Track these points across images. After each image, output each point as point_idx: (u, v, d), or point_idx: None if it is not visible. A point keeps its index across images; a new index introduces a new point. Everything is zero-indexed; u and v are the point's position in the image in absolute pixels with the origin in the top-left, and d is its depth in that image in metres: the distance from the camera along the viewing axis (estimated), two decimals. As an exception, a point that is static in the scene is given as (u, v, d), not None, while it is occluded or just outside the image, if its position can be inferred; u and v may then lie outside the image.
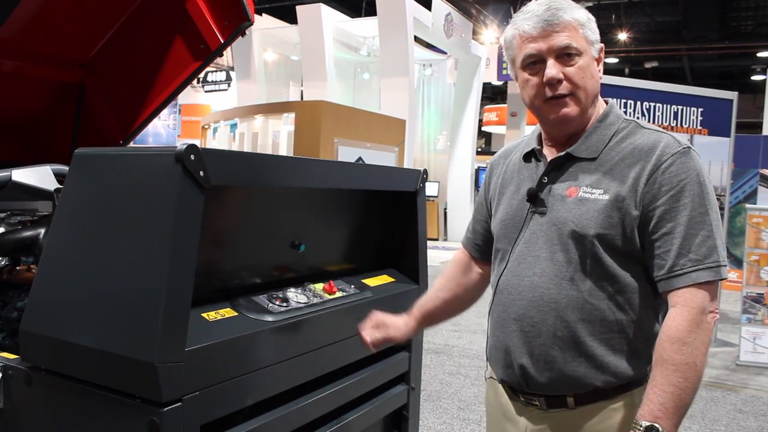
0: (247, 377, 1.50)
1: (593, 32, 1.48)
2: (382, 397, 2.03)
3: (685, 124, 6.14)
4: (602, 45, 1.51)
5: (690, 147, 1.42)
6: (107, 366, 1.34)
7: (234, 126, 8.48)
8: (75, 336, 1.38)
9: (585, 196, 1.43)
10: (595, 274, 1.41)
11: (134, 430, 1.32)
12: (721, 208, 6.37)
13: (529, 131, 1.64)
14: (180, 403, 1.31)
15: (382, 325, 1.74)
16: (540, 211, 1.49)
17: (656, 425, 1.29)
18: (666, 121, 6.07)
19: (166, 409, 1.28)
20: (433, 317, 1.80)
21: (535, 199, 1.50)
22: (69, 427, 1.47)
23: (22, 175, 2.28)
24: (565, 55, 1.43)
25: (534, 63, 1.46)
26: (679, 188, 1.36)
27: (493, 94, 21.92)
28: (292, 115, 6.93)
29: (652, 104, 6.03)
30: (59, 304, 1.45)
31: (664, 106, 6.06)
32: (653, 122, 6.07)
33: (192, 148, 1.30)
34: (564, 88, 1.43)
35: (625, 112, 5.93)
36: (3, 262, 2.14)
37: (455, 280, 1.80)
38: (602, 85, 5.64)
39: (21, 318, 1.51)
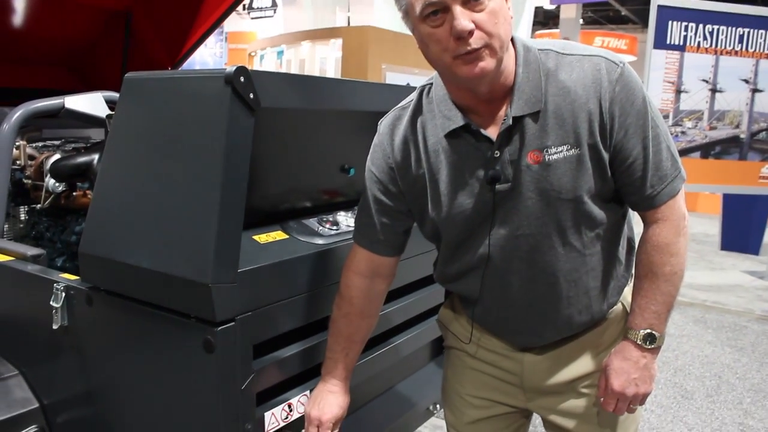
0: (297, 299, 1.52)
1: None
2: (431, 320, 2.05)
3: (751, 48, 5.82)
4: None
5: (623, 62, 1.31)
6: (163, 286, 1.37)
7: (281, 53, 8.40)
8: (131, 257, 1.41)
9: (554, 158, 1.28)
10: (587, 227, 1.36)
11: (190, 348, 1.35)
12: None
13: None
14: (233, 323, 1.34)
15: (326, 428, 1.53)
16: (506, 189, 1.32)
17: (653, 332, 1.39)
18: (730, 45, 5.77)
19: (220, 328, 1.31)
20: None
21: (498, 179, 1.32)
22: (128, 345, 1.52)
23: (74, 102, 2.31)
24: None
25: (435, 12, 1.19)
26: (633, 114, 1.29)
27: (545, 19, 21.19)
28: (340, 41, 6.81)
29: (715, 27, 5.72)
30: (115, 227, 1.48)
31: (729, 29, 5.73)
32: (716, 46, 5.79)
33: (241, 69, 1.28)
34: (477, 39, 1.18)
35: (686, 37, 5.69)
36: (60, 188, 2.19)
37: (365, 314, 1.54)
38: (660, 7, 5.34)
39: (79, 241, 1.55)
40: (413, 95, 1.46)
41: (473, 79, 1.23)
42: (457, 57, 1.20)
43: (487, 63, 1.21)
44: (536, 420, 3.03)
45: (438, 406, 2.14)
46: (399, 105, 1.48)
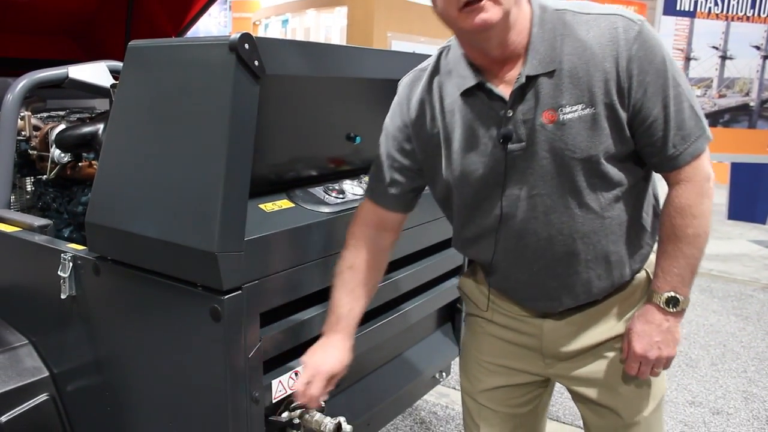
0: (304, 267, 1.53)
1: None
2: (437, 289, 2.05)
3: (763, 13, 5.72)
4: None
5: (642, 20, 1.29)
6: (170, 255, 1.37)
7: (285, 21, 8.33)
8: (138, 227, 1.42)
9: (568, 117, 1.28)
10: (603, 188, 1.34)
11: (197, 316, 1.36)
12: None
13: None
14: (240, 291, 1.34)
15: (321, 378, 1.45)
16: (520, 149, 1.32)
17: (676, 295, 1.38)
18: (741, 11, 5.68)
19: (226, 296, 1.32)
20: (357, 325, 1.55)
21: (510, 138, 1.32)
22: (135, 314, 1.53)
23: (78, 71, 2.29)
24: None
25: None
26: (652, 73, 1.27)
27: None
28: (345, 9, 6.74)
29: (727, -9, 5.62)
30: (121, 196, 1.48)
31: (741, -8, 5.64)
32: (728, 12, 5.69)
33: (246, 36, 1.27)
34: None
35: (696, 2, 5.60)
36: (66, 159, 2.19)
37: (370, 266, 1.52)
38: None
39: (86, 212, 1.55)
40: (433, 56, 1.47)
41: (477, 31, 1.23)
42: (461, 9, 1.20)
43: (490, 14, 1.20)
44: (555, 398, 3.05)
45: (444, 374, 2.15)
46: (419, 66, 1.49)
